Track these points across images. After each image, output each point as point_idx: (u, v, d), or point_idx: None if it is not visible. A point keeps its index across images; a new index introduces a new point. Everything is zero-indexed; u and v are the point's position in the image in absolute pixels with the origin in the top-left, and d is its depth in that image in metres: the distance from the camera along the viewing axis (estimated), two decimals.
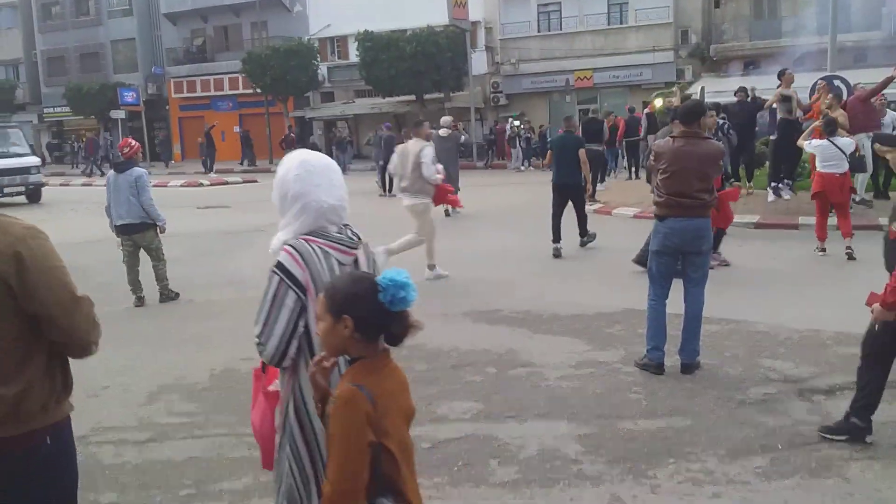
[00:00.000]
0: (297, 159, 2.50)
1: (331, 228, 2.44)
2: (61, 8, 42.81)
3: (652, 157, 5.62)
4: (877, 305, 4.00)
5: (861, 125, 11.42)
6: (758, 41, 27.90)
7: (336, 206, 2.45)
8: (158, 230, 8.39)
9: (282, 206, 2.47)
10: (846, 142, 9.22)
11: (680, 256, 5.55)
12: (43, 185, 21.79)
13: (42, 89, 43.86)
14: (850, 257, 8.92)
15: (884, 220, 10.00)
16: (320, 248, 2.38)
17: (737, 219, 9.86)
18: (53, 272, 2.16)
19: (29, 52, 44.69)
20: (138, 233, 8.23)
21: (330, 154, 33.89)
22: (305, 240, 2.39)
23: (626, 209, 13.94)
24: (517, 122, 27.65)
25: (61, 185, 28.06)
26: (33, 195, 21.22)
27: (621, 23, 30.36)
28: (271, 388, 2.60)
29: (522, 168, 26.37)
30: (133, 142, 8.51)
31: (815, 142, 9.38)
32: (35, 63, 44.39)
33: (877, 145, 4.62)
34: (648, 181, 5.93)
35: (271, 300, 2.33)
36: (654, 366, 5.51)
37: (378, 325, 2.07)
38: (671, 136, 5.58)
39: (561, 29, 31.29)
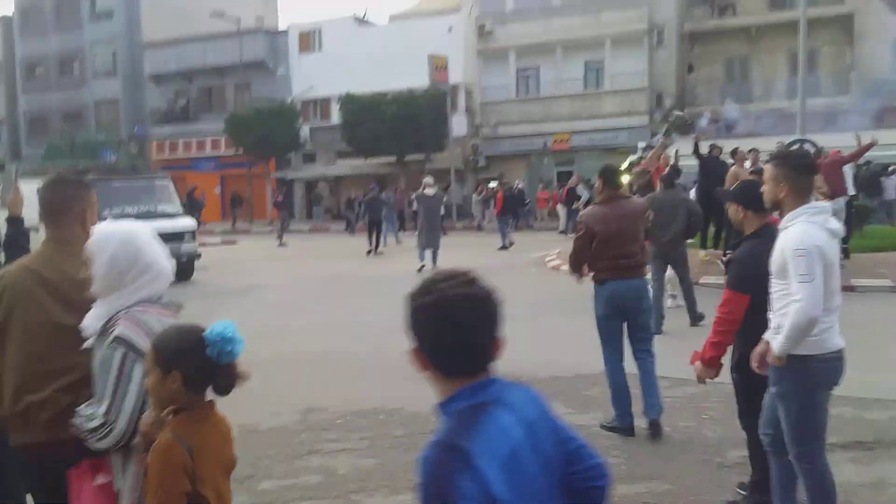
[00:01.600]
0: (129, 230, 2.44)
1: (158, 295, 2.42)
2: (45, 69, 43.18)
3: (580, 230, 5.54)
4: (697, 363, 3.78)
5: (837, 189, 11.61)
6: (730, 104, 28.63)
7: (172, 271, 2.48)
8: None
9: (118, 280, 2.33)
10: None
11: (623, 317, 5.59)
12: (198, 255, 15.88)
13: (23, 149, 43.89)
14: None
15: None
16: (156, 315, 2.35)
17: (714, 279, 9.97)
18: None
19: (12, 112, 44.86)
20: None
21: (310, 214, 34.41)
22: (141, 310, 2.32)
23: None
24: (492, 185, 28.17)
25: None
26: (185, 270, 15.31)
27: (597, 87, 31.10)
28: (100, 481, 2.37)
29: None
30: None
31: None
32: (16, 122, 44.51)
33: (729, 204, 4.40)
34: (576, 261, 5.62)
35: (117, 375, 2.23)
36: (623, 428, 5.50)
37: (206, 378, 2.10)
38: (596, 203, 5.62)
39: (539, 93, 31.98)
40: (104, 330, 2.32)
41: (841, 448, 5.08)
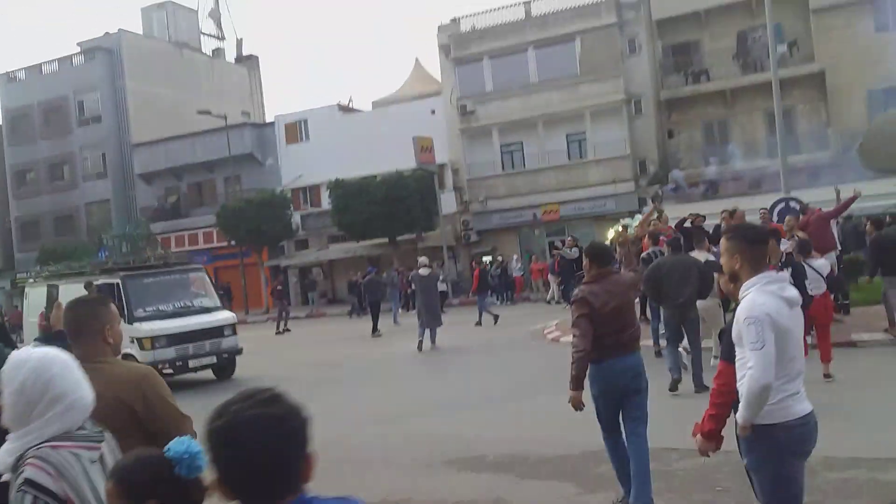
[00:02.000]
0: (42, 357, 2.28)
1: (75, 427, 2.26)
2: (36, 174, 43.73)
3: (576, 308, 5.37)
4: (698, 437, 3.70)
5: (827, 244, 11.66)
6: (713, 166, 29.13)
7: (93, 401, 2.32)
8: None
9: (27, 411, 2.20)
10: (821, 263, 9.14)
11: (621, 395, 5.42)
12: (239, 351, 14.64)
13: (15, 254, 44.01)
14: (828, 379, 8.74)
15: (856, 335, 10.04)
16: (69, 451, 2.20)
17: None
18: (166, 400, 3.03)
19: (3, 218, 45.17)
20: None
21: (306, 299, 34.36)
22: (52, 447, 2.18)
23: None
24: (486, 258, 28.41)
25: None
26: (226, 367, 14.48)
27: (581, 157, 31.60)
28: None
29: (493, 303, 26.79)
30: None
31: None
32: (8, 229, 44.77)
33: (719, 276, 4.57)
34: (585, 342, 5.28)
35: None
36: None
37: (182, 498, 2.00)
38: (586, 282, 5.50)
39: (524, 166, 32.47)
40: (16, 467, 2.19)
41: None
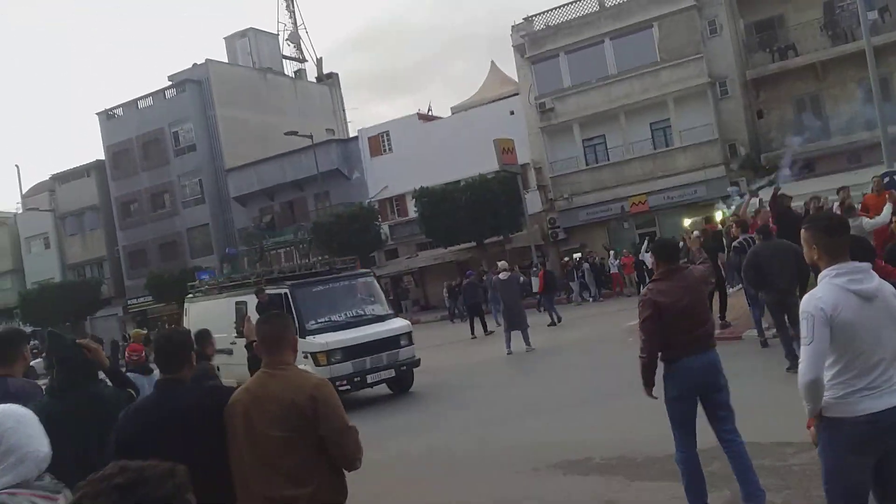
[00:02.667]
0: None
1: (32, 478, 2.34)
2: (139, 205, 46.02)
3: (642, 310, 5.21)
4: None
5: None
6: (808, 144, 27.95)
7: (49, 454, 2.41)
8: None
9: None
10: None
11: (698, 397, 5.24)
12: (417, 363, 13.26)
13: (125, 282, 46.41)
14: None
15: None
16: (26, 499, 2.26)
17: None
18: (336, 409, 3.32)
19: (111, 249, 47.72)
20: None
21: (400, 308, 34.95)
22: (9, 493, 2.25)
23: None
24: (575, 255, 28.38)
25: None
26: (403, 379, 13.13)
27: (667, 146, 30.92)
28: None
29: (581, 301, 26.67)
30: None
31: None
32: (118, 258, 47.25)
33: None
34: (650, 347, 5.14)
35: None
36: None
37: None
38: (655, 279, 5.33)
39: (608, 159, 32.03)
40: None
41: None
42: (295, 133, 34.57)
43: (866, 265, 3.43)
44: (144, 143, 45.24)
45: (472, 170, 31.66)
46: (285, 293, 12.71)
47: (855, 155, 24.63)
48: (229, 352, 11.71)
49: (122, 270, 46.97)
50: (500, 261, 18.08)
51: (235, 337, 11.56)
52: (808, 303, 3.35)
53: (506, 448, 8.43)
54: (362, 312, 13.22)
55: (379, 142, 38.03)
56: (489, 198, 30.60)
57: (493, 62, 41.57)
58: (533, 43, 32.99)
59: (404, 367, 12.92)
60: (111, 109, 47.13)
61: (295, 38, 51.84)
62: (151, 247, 45.29)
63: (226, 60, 47.07)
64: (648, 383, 5.29)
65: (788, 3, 29.39)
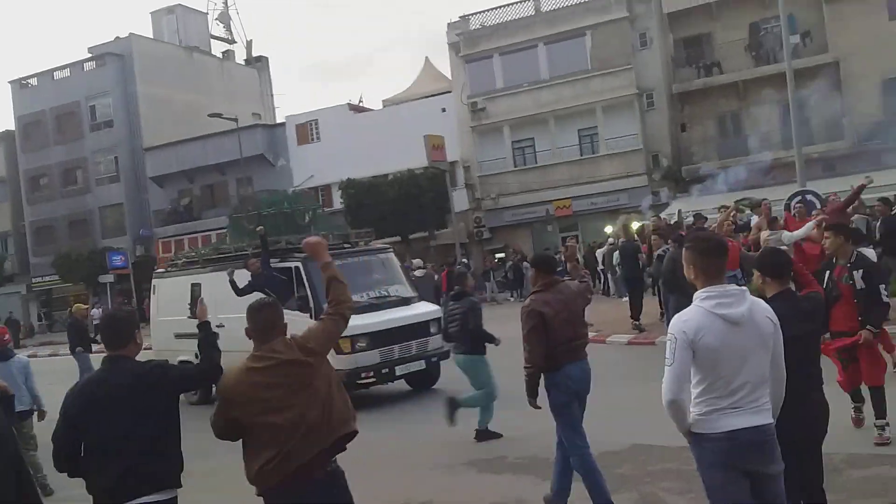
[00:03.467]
0: None
1: None
2: (49, 180, 43.96)
3: (527, 320, 5.38)
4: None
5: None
6: (727, 159, 28.88)
7: None
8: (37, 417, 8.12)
9: None
10: (871, 252, 8.91)
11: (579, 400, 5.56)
12: (446, 354, 10.79)
13: (30, 259, 44.30)
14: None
15: None
16: None
17: None
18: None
19: (17, 224, 45.48)
20: (25, 420, 7.97)
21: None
22: None
23: (619, 336, 13.91)
24: (498, 255, 28.51)
25: (50, 355, 27.78)
26: (429, 375, 11.27)
27: (593, 152, 31.44)
28: None
29: (497, 300, 26.76)
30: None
31: None
32: (23, 234, 45.08)
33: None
34: (538, 354, 5.36)
35: None
36: None
37: None
38: (536, 291, 5.52)
39: (536, 162, 32.35)
40: None
41: None
42: (219, 115, 33.56)
43: (738, 289, 3.45)
44: (58, 115, 43.20)
45: (401, 164, 31.47)
46: (297, 267, 10.84)
47: (770, 172, 25.53)
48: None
49: (27, 247, 44.81)
50: (415, 258, 17.99)
51: (189, 317, 10.52)
52: (674, 325, 3.42)
53: (421, 445, 8.32)
54: (386, 293, 11.32)
55: (307, 130, 37.39)
56: (416, 193, 30.48)
57: (427, 58, 41.49)
58: (468, 42, 33.04)
59: (434, 358, 11.08)
60: (25, 79, 44.88)
61: (225, 18, 50.43)
62: (60, 224, 43.33)
63: (151, 36, 45.47)
64: (533, 393, 5.50)
65: (717, 21, 30.30)
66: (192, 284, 12.46)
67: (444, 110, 33.77)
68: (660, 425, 7.26)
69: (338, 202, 34.11)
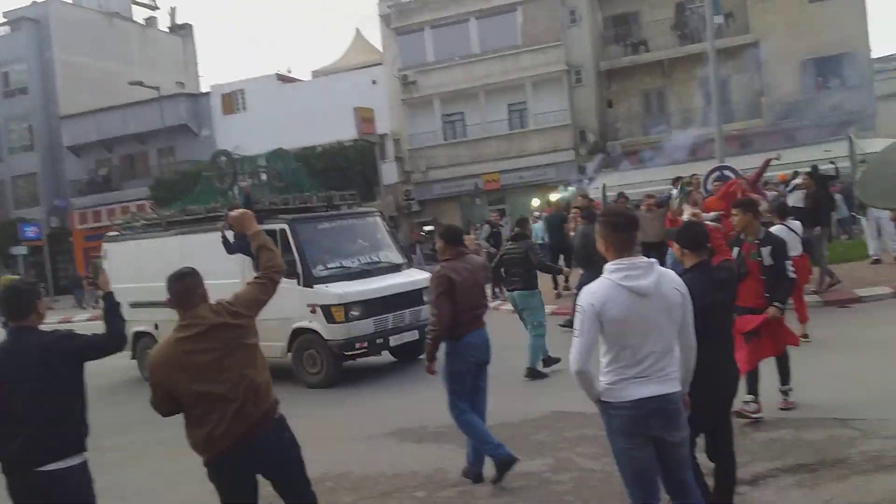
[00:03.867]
0: None
1: None
2: None
3: (437, 286, 5.56)
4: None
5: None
6: (651, 136, 29.52)
7: None
8: None
9: None
10: (797, 224, 9.06)
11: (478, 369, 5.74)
12: None
13: None
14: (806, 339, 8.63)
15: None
16: None
17: None
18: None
19: None
20: None
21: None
22: None
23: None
24: (427, 228, 28.45)
25: None
26: (419, 344, 10.32)
27: (522, 127, 31.66)
28: None
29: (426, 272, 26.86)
30: None
31: (774, 227, 8.51)
32: None
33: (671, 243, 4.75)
34: (446, 320, 5.50)
35: None
36: (507, 462, 5.57)
37: None
38: (446, 260, 5.71)
39: (466, 136, 32.38)
40: None
41: (785, 472, 5.12)
42: (140, 83, 32.44)
43: (646, 262, 3.52)
44: None
45: (330, 136, 31.04)
46: (282, 229, 10.11)
47: (692, 149, 26.19)
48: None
49: None
50: None
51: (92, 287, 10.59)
52: (582, 297, 3.52)
53: (342, 417, 8.31)
54: (376, 259, 10.82)
55: (233, 100, 36.42)
56: (345, 165, 30.16)
57: (357, 29, 40.83)
58: (399, 14, 32.66)
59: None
60: None
61: None
62: None
63: (69, 1, 43.40)
64: (432, 358, 5.66)
65: (644, 1, 30.75)
66: (94, 258, 12.71)
67: (374, 83, 33.39)
68: (579, 392, 7.42)
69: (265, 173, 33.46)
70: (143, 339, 11.41)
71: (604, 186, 22.14)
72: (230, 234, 9.54)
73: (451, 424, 7.17)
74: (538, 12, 30.65)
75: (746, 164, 16.72)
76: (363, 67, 35.24)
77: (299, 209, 11.00)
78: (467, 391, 5.68)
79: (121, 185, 38.46)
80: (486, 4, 31.30)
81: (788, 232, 8.50)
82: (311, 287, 9.86)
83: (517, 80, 30.98)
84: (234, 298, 3.91)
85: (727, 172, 14.48)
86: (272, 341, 9.50)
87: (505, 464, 5.54)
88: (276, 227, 10.13)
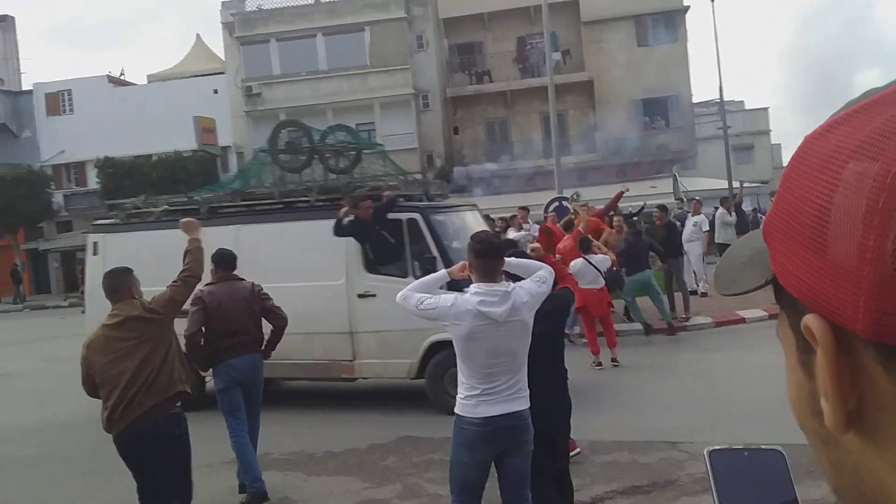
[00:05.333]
0: None
1: None
2: None
3: (192, 304, 5.67)
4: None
5: None
6: (494, 163, 30.57)
7: None
8: None
9: None
10: (601, 258, 9.63)
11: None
12: None
13: None
14: (615, 364, 9.47)
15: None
16: None
17: None
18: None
19: None
20: None
21: (73, 287, 31.52)
22: None
23: None
24: None
25: None
26: None
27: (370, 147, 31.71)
28: None
29: None
30: None
31: (574, 262, 9.30)
32: None
33: None
34: (195, 348, 5.77)
35: None
36: (259, 496, 5.75)
37: None
38: (209, 283, 5.98)
39: None
40: None
41: (622, 494, 5.41)
42: None
43: (504, 289, 3.72)
44: None
45: (167, 145, 29.67)
46: (412, 219, 8.39)
47: (532, 179, 27.38)
48: None
49: None
50: None
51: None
52: (448, 297, 3.81)
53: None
54: None
55: (58, 100, 33.95)
56: (184, 177, 28.82)
57: (198, 35, 39.40)
58: (243, 23, 31.86)
59: None
60: None
61: None
62: None
63: None
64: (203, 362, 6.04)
65: (488, 32, 31.92)
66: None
67: (216, 92, 32.32)
68: (427, 417, 7.51)
69: (93, 181, 31.43)
70: None
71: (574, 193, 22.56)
72: (348, 218, 8.06)
73: (296, 451, 7.07)
74: (386, 34, 30.96)
75: (583, 195, 17.64)
76: (204, 75, 34.05)
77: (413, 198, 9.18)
78: (238, 408, 5.83)
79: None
80: (334, 21, 31.24)
81: (585, 265, 9.36)
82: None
83: (365, 100, 31.07)
84: (154, 298, 4.62)
85: (565, 203, 15.22)
86: (394, 358, 8.16)
87: (257, 497, 5.73)
88: (404, 216, 8.44)
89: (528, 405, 3.80)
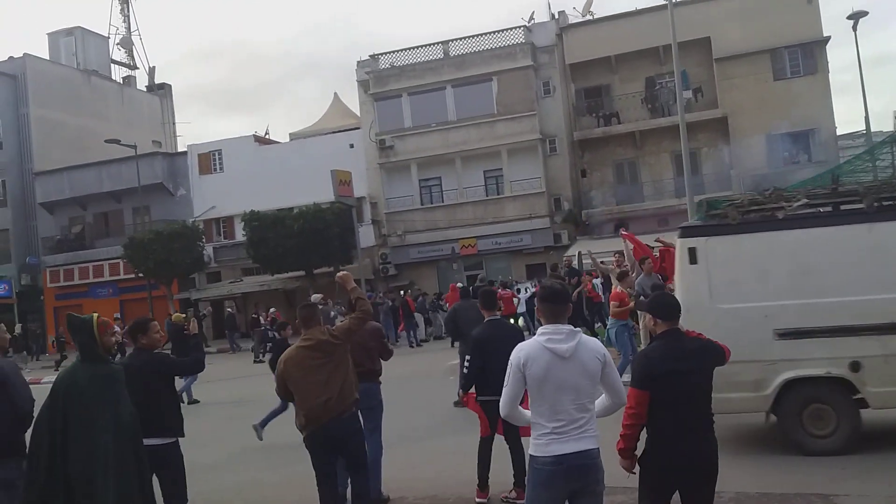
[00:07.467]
0: None
1: None
2: None
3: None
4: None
5: None
6: (623, 205, 30.14)
7: None
8: None
9: None
10: None
11: None
12: None
13: None
14: None
15: None
16: None
17: None
18: None
19: None
20: None
21: (221, 334, 33.32)
22: None
23: None
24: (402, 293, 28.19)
25: None
26: None
27: (498, 193, 32.15)
28: None
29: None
30: None
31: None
32: None
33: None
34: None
35: None
36: None
37: None
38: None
39: (443, 201, 32.75)
40: None
41: None
42: (117, 141, 32.47)
43: (569, 329, 3.94)
44: None
45: (307, 198, 31.21)
46: None
47: (664, 219, 26.72)
48: None
49: None
50: (315, 293, 17.95)
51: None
52: (513, 353, 3.98)
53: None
54: None
55: (210, 160, 36.60)
56: (322, 227, 30.23)
57: (336, 94, 41.53)
58: (377, 81, 33.33)
59: None
60: None
61: (127, 44, 49.12)
62: None
63: (47, 57, 43.69)
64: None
65: (615, 74, 31.76)
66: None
67: (352, 146, 33.85)
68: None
69: (240, 234, 33.48)
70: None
71: (579, 254, 22.42)
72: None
73: (431, 495, 7.13)
74: (513, 83, 31.46)
75: None
76: (341, 131, 35.77)
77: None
78: None
79: (94, 244, 38.18)
80: (462, 74, 32.11)
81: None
82: None
83: (493, 148, 31.59)
84: (336, 327, 5.91)
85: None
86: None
87: None
88: None
89: (597, 445, 3.89)
